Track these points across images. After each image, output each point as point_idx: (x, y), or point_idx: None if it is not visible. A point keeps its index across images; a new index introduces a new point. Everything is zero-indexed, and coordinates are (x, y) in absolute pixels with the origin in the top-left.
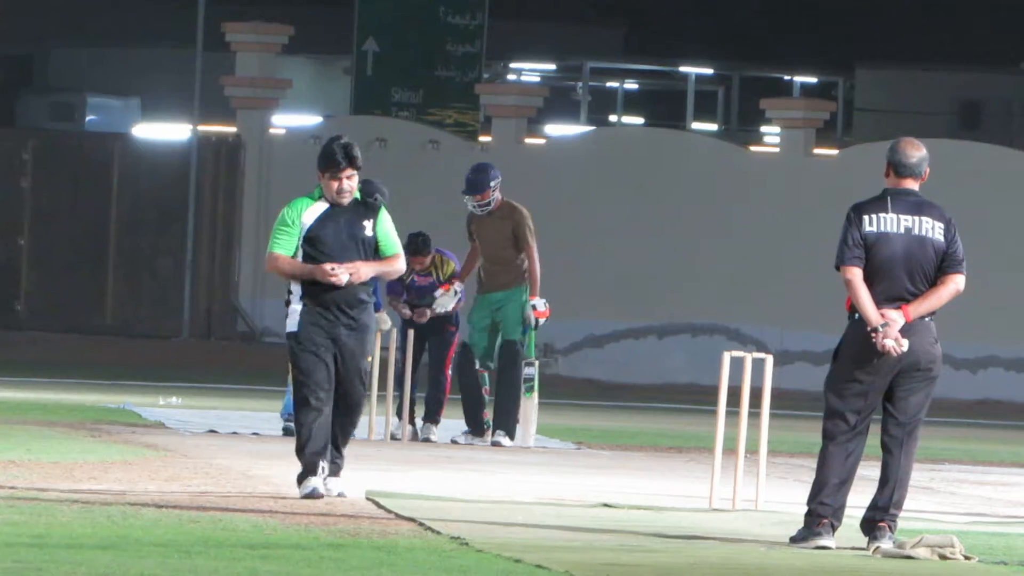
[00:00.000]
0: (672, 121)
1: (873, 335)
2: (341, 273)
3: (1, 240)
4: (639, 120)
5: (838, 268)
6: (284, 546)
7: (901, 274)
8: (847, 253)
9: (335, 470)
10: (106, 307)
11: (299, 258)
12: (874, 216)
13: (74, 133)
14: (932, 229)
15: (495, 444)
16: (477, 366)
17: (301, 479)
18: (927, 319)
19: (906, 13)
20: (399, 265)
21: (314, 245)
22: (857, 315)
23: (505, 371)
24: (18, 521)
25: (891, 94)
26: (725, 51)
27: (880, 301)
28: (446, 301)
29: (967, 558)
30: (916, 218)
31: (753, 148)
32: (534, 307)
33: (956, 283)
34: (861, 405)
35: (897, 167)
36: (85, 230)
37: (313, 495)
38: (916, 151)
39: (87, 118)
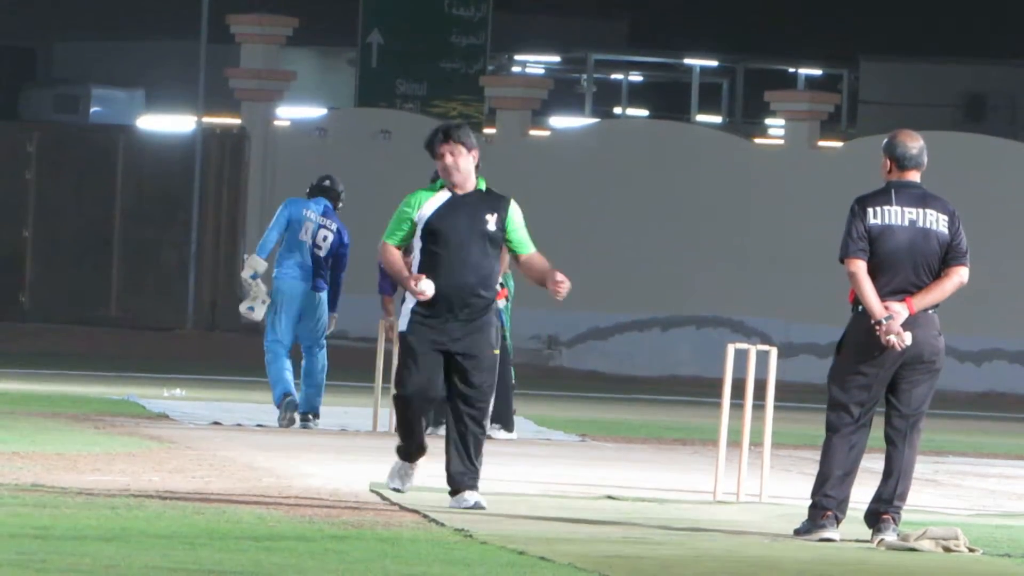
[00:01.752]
0: (676, 113)
1: (877, 328)
2: (425, 288)
3: (6, 232)
4: (643, 112)
5: (842, 261)
6: (288, 538)
7: (906, 267)
8: (851, 246)
9: (470, 483)
10: (110, 299)
11: (416, 253)
12: (878, 209)
13: (78, 125)
14: (936, 221)
15: (489, 437)
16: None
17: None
18: (931, 311)
19: (911, 5)
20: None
21: (434, 239)
22: (861, 307)
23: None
24: (22, 513)
25: (896, 86)
26: (729, 43)
27: (884, 294)
28: None
29: (971, 550)
30: (920, 210)
31: (757, 140)
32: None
33: (960, 275)
34: (864, 397)
35: (900, 160)
36: (89, 222)
37: (393, 490)
38: (915, 142)
39: (91, 110)
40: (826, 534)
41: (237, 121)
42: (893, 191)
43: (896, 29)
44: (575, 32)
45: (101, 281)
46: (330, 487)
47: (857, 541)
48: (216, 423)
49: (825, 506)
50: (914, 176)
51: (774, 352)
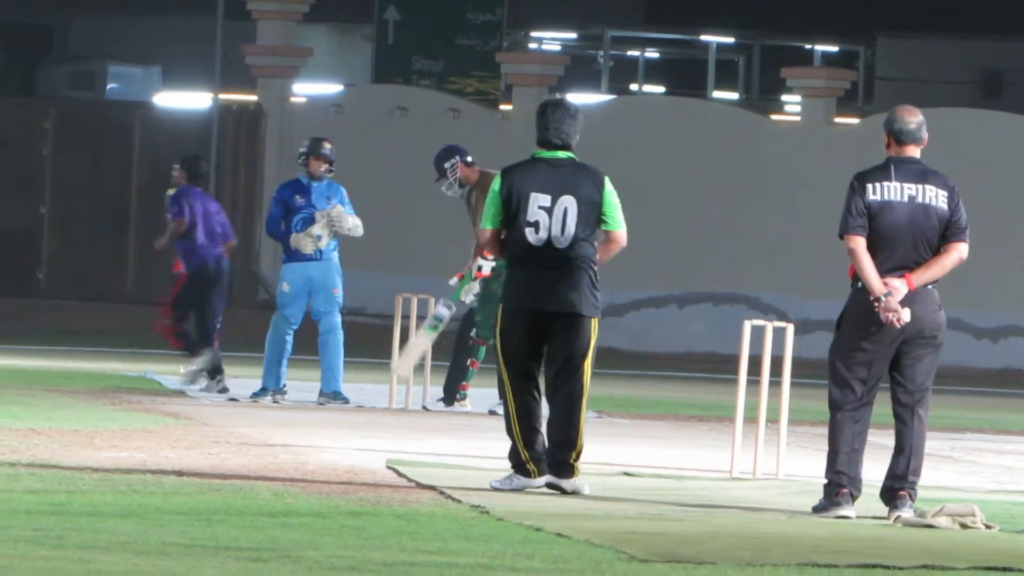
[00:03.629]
0: (693, 90)
1: (876, 304)
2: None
3: (22, 208)
4: (660, 89)
5: (841, 237)
6: (305, 514)
7: (905, 242)
8: (851, 222)
9: (561, 470)
10: (127, 275)
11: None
12: (877, 185)
13: (95, 102)
14: (936, 197)
15: (492, 413)
16: (473, 335)
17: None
18: (930, 287)
19: None
20: (620, 244)
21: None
22: (860, 283)
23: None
24: (39, 489)
25: (912, 63)
26: (746, 20)
27: (884, 270)
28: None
29: (988, 527)
30: (920, 186)
31: (774, 117)
32: (479, 268)
33: (959, 251)
34: (866, 374)
35: (898, 135)
36: (106, 199)
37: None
38: (914, 117)
39: (108, 87)
40: (842, 511)
41: (253, 98)
42: (892, 166)
43: (913, 5)
44: (591, 8)
45: (117, 257)
46: (347, 464)
47: (874, 518)
48: (232, 400)
49: (839, 483)
50: (913, 151)
51: (791, 329)
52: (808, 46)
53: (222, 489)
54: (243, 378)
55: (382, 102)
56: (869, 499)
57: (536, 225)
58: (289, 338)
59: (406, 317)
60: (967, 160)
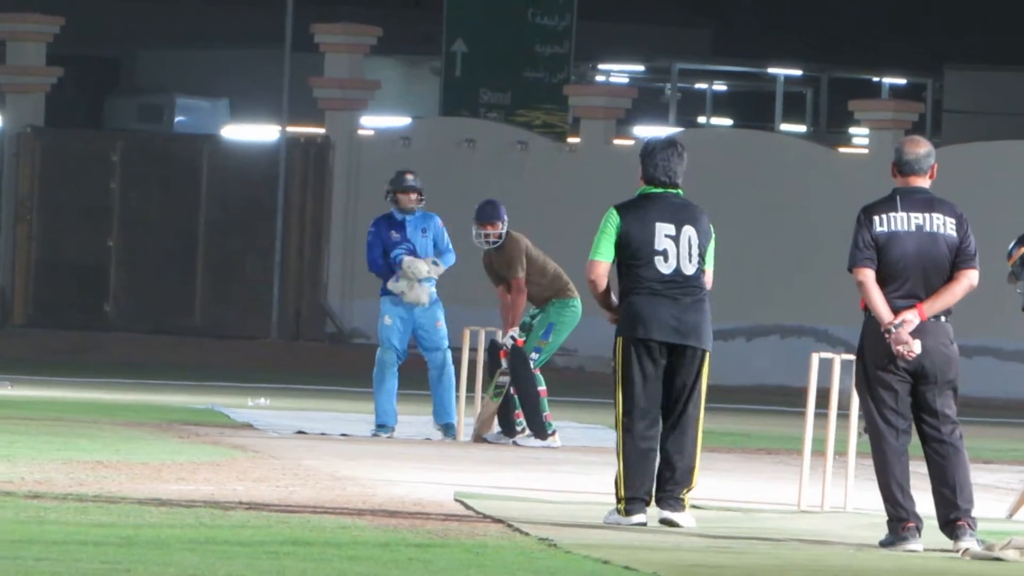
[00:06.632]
0: (760, 122)
1: (887, 336)
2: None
3: (90, 241)
4: (727, 121)
5: (850, 270)
6: (372, 546)
7: (915, 272)
8: (858, 255)
9: (671, 503)
10: (194, 308)
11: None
12: (884, 216)
13: (163, 135)
14: (944, 225)
15: (515, 444)
16: (532, 367)
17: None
18: (943, 319)
19: (995, 14)
20: (708, 283)
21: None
22: (871, 313)
23: (513, 376)
24: (106, 522)
25: (980, 95)
26: (813, 52)
27: (896, 300)
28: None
29: None
30: (927, 215)
31: (842, 150)
32: (512, 338)
33: (970, 279)
34: (893, 402)
35: (901, 165)
36: (174, 231)
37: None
38: (919, 148)
39: (176, 119)
40: (910, 546)
41: (321, 130)
42: (898, 197)
43: (981, 38)
44: (659, 41)
45: (185, 290)
46: (414, 496)
47: (942, 551)
48: (300, 432)
49: (902, 517)
50: (919, 182)
51: None
52: (876, 78)
53: (289, 522)
54: (310, 411)
55: (450, 135)
56: (930, 531)
57: (664, 254)
58: (395, 371)
59: (474, 350)
60: None
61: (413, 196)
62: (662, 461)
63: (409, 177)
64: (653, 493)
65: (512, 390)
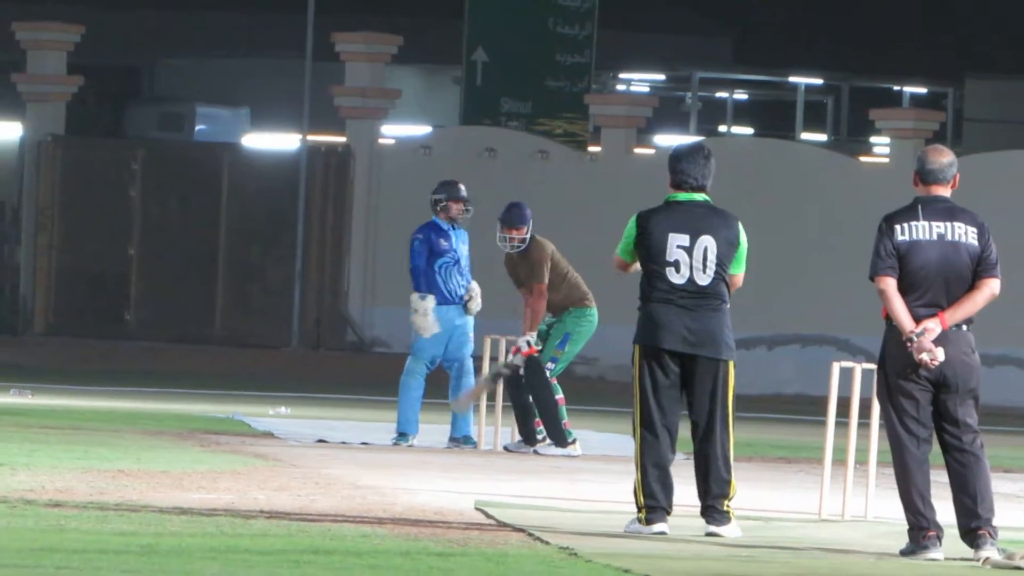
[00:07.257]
0: (781, 131)
1: (908, 344)
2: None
3: (111, 250)
4: (748, 130)
5: (872, 279)
6: (393, 555)
7: (937, 281)
8: (879, 264)
9: (714, 515)
10: (215, 317)
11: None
12: (905, 225)
13: (183, 143)
14: (965, 234)
15: (536, 453)
16: (549, 376)
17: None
18: (964, 328)
19: (1016, 23)
20: (736, 286)
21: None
22: (893, 322)
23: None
24: (127, 530)
25: (1001, 104)
26: (834, 61)
27: (917, 308)
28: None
29: None
30: (948, 224)
31: (862, 159)
32: (528, 342)
33: (991, 287)
34: (915, 412)
35: (924, 175)
36: (194, 240)
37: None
38: (943, 157)
39: (196, 128)
40: (931, 554)
41: (342, 139)
42: (920, 206)
43: (1002, 47)
44: (680, 50)
45: (206, 299)
46: (435, 505)
47: (961, 560)
48: (321, 441)
49: (923, 526)
50: (940, 191)
51: None
52: (897, 87)
53: (310, 530)
54: (331, 420)
55: (470, 143)
56: (951, 539)
57: (676, 264)
58: (422, 380)
59: (495, 359)
60: None
61: (462, 206)
62: (696, 473)
63: (462, 187)
64: (672, 503)
65: (530, 399)
